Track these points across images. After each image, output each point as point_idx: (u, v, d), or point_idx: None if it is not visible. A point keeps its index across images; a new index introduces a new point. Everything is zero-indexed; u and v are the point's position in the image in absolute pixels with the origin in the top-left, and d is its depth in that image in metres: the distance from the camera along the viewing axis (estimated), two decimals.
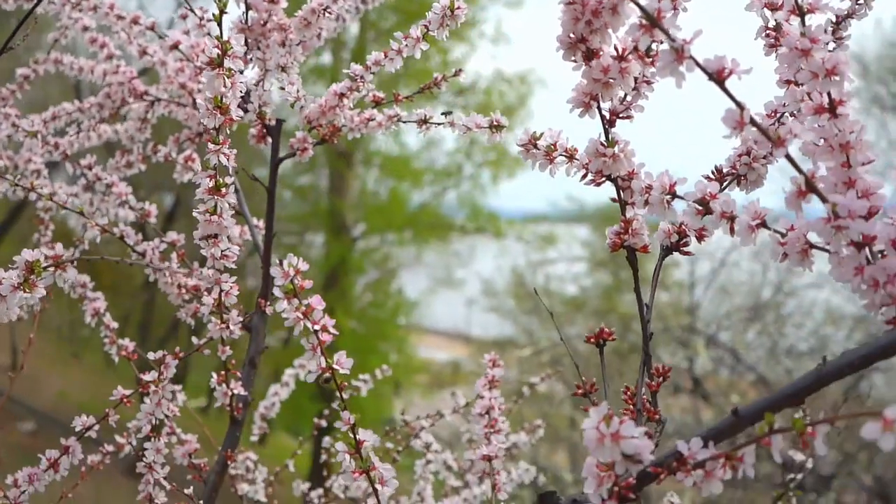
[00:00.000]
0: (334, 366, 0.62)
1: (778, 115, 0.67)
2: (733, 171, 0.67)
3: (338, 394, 0.63)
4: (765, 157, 0.65)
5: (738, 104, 0.50)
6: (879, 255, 0.51)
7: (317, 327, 0.61)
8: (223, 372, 0.94)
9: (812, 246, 0.53)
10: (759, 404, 0.49)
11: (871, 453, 6.06)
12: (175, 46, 1.05)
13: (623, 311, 8.52)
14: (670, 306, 8.21)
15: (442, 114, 0.95)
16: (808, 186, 0.51)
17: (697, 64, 0.49)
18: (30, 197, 0.98)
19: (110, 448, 1.10)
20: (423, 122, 0.92)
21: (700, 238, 0.66)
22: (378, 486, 0.63)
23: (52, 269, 0.67)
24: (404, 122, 0.94)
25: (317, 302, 0.62)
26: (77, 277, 1.13)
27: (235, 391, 0.95)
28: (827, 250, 0.52)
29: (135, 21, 1.09)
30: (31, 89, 1.30)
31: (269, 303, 0.94)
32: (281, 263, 0.60)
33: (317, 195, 11.25)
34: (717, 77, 0.50)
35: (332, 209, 10.77)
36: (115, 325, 1.08)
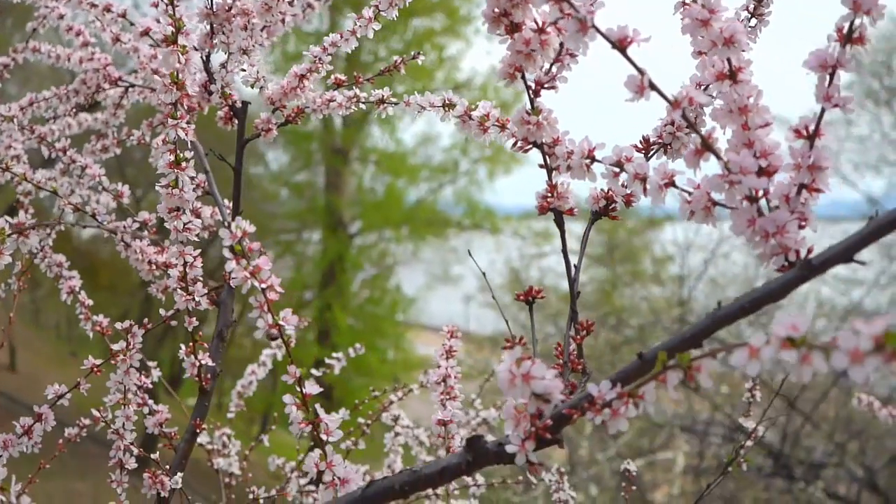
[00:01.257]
0: (280, 322, 0.66)
1: (703, 86, 0.71)
2: (660, 140, 0.71)
3: (285, 350, 0.67)
4: (688, 127, 0.69)
5: (640, 70, 0.54)
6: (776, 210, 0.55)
7: (264, 286, 0.65)
8: (191, 343, 0.98)
9: (714, 203, 0.57)
10: (659, 347, 0.53)
11: (862, 443, 6.11)
12: (146, 33, 1.08)
13: (618, 305, 8.56)
14: (664, 300, 8.25)
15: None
16: (705, 145, 0.55)
17: (600, 33, 0.53)
18: (4, 177, 1.01)
19: (87, 421, 1.14)
20: (381, 101, 0.96)
21: (628, 203, 0.70)
22: (323, 437, 0.67)
23: (14, 235, 0.71)
24: (363, 102, 0.98)
25: (264, 262, 0.66)
26: (53, 256, 1.17)
27: (203, 362, 0.99)
28: (727, 206, 0.56)
29: (107, 9, 1.12)
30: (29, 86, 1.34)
31: None
32: (229, 226, 0.64)
33: (313, 192, 11.29)
34: (620, 45, 0.54)
35: (329, 206, 10.81)
36: (90, 302, 1.12)
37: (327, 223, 11.04)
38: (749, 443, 1.10)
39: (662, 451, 6.66)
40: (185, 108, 0.75)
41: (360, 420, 1.31)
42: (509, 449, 0.57)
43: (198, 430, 1.01)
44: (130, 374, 0.92)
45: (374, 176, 12.14)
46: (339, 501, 0.62)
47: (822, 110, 0.55)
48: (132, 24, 1.12)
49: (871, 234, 0.50)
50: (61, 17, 1.23)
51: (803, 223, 0.54)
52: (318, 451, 0.67)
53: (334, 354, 1.41)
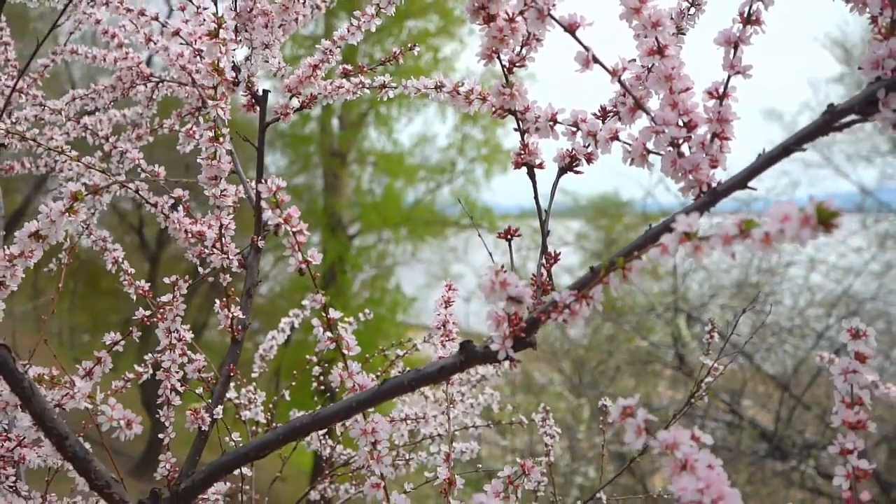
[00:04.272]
0: (308, 258, 0.82)
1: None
2: (615, 108, 0.87)
3: (312, 282, 0.83)
4: (625, 92, 0.85)
5: (585, 48, 0.70)
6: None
7: (295, 229, 0.81)
8: (225, 298, 1.14)
9: (648, 150, 0.74)
10: (607, 259, 0.70)
11: None
12: (176, 33, 1.25)
13: (616, 303, 8.70)
14: (660, 293, 8.40)
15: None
16: (637, 104, 0.71)
17: (554, 19, 0.70)
18: (49, 153, 1.17)
19: (131, 375, 1.30)
20: (383, 86, 1.13)
21: (589, 160, 0.86)
22: (345, 351, 0.83)
23: (90, 195, 0.87)
24: (368, 88, 1.14)
25: (294, 212, 0.82)
26: (97, 232, 1.33)
27: (235, 315, 1.15)
28: (656, 152, 0.73)
29: (142, 13, 1.29)
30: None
31: (262, 238, 1.14)
32: (266, 181, 0.80)
33: (312, 195, 11.43)
34: (570, 29, 0.70)
35: (328, 208, 10.96)
36: (132, 270, 1.28)
37: (326, 225, 11.17)
38: (709, 379, 1.26)
39: None
40: (224, 90, 0.92)
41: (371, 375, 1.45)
42: (493, 347, 0.73)
43: (231, 374, 1.17)
44: (176, 321, 1.08)
45: (372, 177, 12.30)
46: (362, 394, 0.78)
47: (728, 76, 0.71)
48: (164, 25, 1.29)
49: (762, 164, 0.66)
50: (98, 21, 1.39)
51: (714, 164, 0.70)
52: (340, 364, 0.83)
53: (346, 319, 1.56)
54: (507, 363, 0.75)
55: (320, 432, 1.55)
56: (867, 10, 0.67)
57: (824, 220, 0.47)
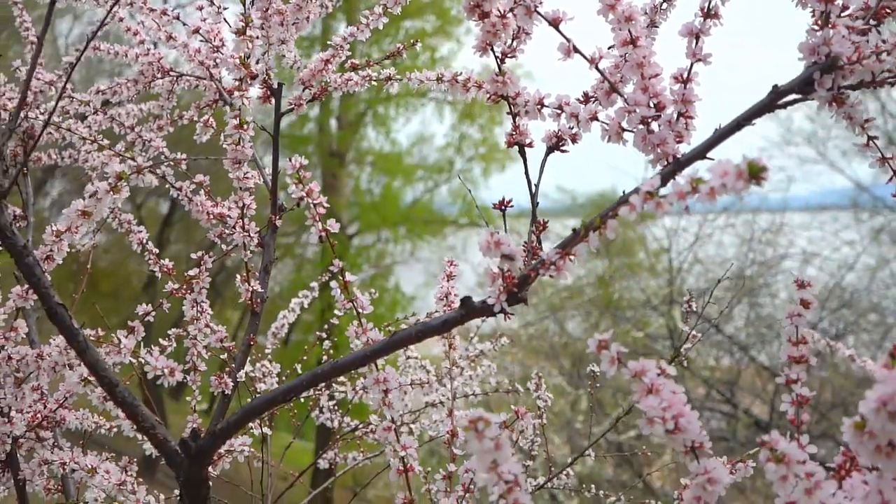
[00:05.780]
0: (327, 227, 0.93)
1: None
2: (595, 93, 0.98)
3: (329, 245, 0.94)
4: (621, 82, 0.96)
5: (567, 39, 0.81)
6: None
7: (315, 202, 0.92)
8: (245, 273, 1.25)
9: (622, 128, 0.85)
10: (586, 220, 0.80)
11: (845, 411, 6.40)
12: (196, 31, 1.36)
13: (616, 298, 8.83)
14: (658, 289, 8.52)
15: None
16: (612, 89, 0.82)
17: (540, 14, 0.81)
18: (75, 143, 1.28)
19: (157, 347, 1.40)
20: (388, 78, 1.24)
21: (573, 140, 0.97)
22: (360, 310, 0.94)
23: (134, 175, 0.98)
24: (374, 80, 1.25)
25: (314, 186, 0.93)
26: (123, 216, 1.44)
27: (255, 288, 1.26)
28: (630, 130, 0.84)
29: (164, 13, 1.39)
30: None
31: (279, 217, 1.25)
32: (290, 160, 0.91)
33: None
34: (554, 23, 0.81)
35: (327, 208, 11.06)
36: (156, 250, 1.39)
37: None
38: (688, 345, 1.37)
39: None
40: (249, 81, 1.03)
41: None
42: (489, 301, 0.84)
43: (251, 343, 1.28)
44: (202, 293, 1.19)
45: (371, 177, 12.40)
46: (375, 344, 0.89)
47: (691, 63, 0.82)
48: (185, 24, 1.40)
49: (717, 138, 0.77)
50: (121, 19, 1.50)
51: (679, 139, 0.82)
52: (355, 322, 0.94)
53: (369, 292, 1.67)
54: (501, 316, 0.86)
55: (330, 403, 1.66)
56: (808, 5, 0.78)
57: (754, 174, 0.58)
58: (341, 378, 1.69)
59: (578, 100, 0.97)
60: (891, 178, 0.79)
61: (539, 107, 0.90)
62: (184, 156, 1.38)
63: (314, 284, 1.81)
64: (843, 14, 0.77)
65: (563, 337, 8.35)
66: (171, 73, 1.50)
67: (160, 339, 1.33)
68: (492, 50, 0.90)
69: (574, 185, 11.29)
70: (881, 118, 8.99)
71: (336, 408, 1.68)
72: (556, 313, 9.35)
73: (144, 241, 1.41)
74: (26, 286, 1.08)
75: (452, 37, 11.40)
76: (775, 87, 0.75)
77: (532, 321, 9.13)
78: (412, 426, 1.47)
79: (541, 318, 9.12)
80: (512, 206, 0.96)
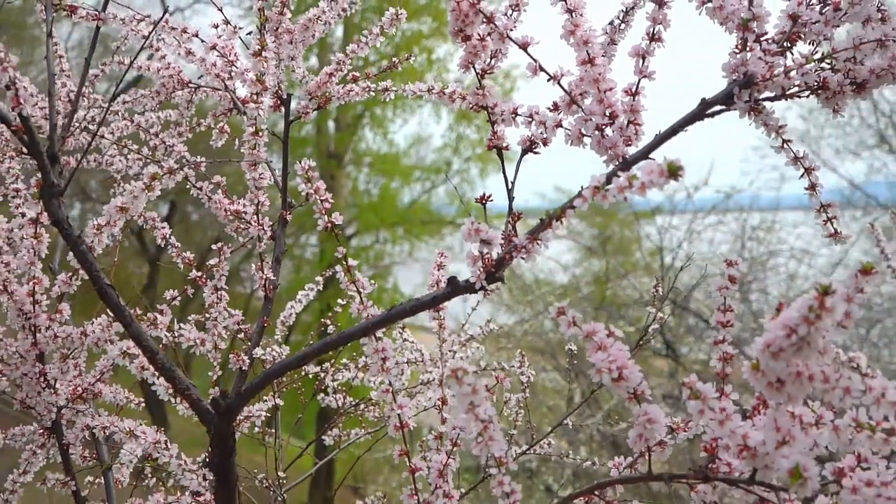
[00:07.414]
0: (332, 220, 1.09)
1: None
2: (567, 105, 1.14)
3: (336, 238, 1.10)
4: (582, 94, 1.13)
5: (534, 59, 0.97)
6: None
7: (322, 198, 1.08)
8: (259, 262, 1.41)
9: (582, 134, 1.01)
10: (551, 210, 0.96)
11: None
12: (213, 47, 1.52)
13: (613, 297, 8.98)
14: (650, 284, 8.67)
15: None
16: (572, 101, 0.98)
17: (511, 39, 0.97)
18: (102, 145, 1.44)
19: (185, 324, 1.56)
20: (386, 89, 1.40)
21: (544, 143, 1.13)
22: (361, 290, 1.10)
23: (167, 175, 1.14)
24: (373, 91, 1.42)
25: (321, 184, 1.09)
26: (148, 213, 1.60)
27: (268, 276, 1.42)
28: (587, 135, 1.00)
29: (184, 30, 1.55)
30: None
31: (289, 212, 1.41)
32: (300, 161, 1.07)
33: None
34: (523, 46, 0.97)
35: (332, 203, 11.21)
36: (178, 244, 1.55)
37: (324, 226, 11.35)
38: (655, 326, 1.53)
39: None
40: (263, 94, 1.19)
41: None
42: (471, 279, 1.00)
43: (265, 325, 1.44)
44: (221, 280, 1.35)
45: (369, 178, 12.55)
46: (376, 317, 1.05)
47: (638, 80, 0.99)
48: (203, 41, 1.55)
49: (657, 142, 0.93)
50: (145, 37, 1.66)
51: (629, 142, 0.98)
52: (357, 299, 1.10)
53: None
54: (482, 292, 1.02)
55: (334, 383, 1.82)
56: (731, 32, 0.94)
57: (673, 171, 0.74)
58: (343, 360, 1.86)
59: (549, 108, 1.13)
60: (802, 175, 0.95)
61: (513, 115, 1.06)
62: (203, 159, 1.54)
63: (319, 279, 1.97)
64: (762, 38, 0.93)
65: (557, 334, 8.51)
66: (190, 84, 1.66)
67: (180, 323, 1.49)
68: (473, 67, 1.06)
69: (571, 186, 11.46)
70: (873, 117, 9.16)
71: (340, 388, 1.84)
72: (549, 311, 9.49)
73: (168, 235, 1.57)
74: (70, 273, 1.24)
75: (449, 39, 11.54)
76: (703, 99, 0.91)
77: (527, 318, 9.29)
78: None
79: (536, 315, 9.28)
80: (492, 200, 1.12)
